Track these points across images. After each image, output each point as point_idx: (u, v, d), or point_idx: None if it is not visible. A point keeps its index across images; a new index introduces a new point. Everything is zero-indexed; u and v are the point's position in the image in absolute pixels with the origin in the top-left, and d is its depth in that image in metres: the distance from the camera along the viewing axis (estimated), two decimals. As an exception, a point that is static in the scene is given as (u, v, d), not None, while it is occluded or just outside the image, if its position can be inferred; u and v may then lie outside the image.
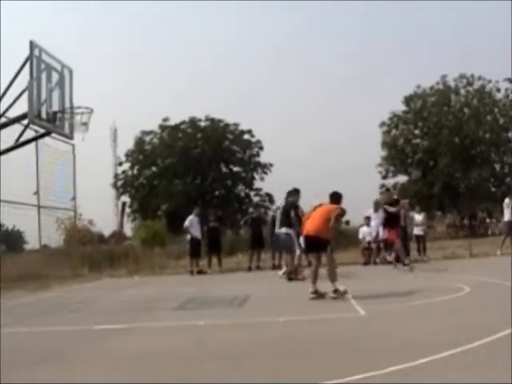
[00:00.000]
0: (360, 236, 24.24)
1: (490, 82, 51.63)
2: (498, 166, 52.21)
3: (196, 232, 23.53)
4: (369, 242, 23.34)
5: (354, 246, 26.02)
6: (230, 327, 9.51)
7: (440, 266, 18.63)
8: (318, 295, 12.25)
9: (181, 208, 44.13)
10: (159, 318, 10.86)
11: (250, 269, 23.32)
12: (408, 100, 53.92)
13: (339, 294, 12.08)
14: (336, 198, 13.05)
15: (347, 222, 44.54)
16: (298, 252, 16.49)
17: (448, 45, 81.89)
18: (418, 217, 23.99)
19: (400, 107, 54.31)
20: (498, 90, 51.63)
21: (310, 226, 12.79)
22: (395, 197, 19.90)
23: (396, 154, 52.91)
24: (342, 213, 12.91)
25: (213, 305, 12.48)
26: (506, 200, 24.81)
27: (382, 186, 53.10)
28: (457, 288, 12.25)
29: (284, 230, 17.08)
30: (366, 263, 22.94)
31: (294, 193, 17.03)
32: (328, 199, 13.08)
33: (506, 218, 24.56)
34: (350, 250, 26.57)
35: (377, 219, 22.23)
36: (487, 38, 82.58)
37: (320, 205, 13.03)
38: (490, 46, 75.75)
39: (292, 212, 16.84)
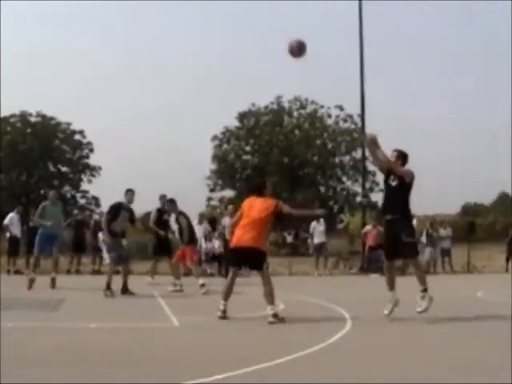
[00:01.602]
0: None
1: (322, 107, 53.29)
2: (323, 189, 53.85)
3: (16, 230, 22.88)
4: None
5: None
6: (42, 330, 9.26)
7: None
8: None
9: (3, 204, 42.75)
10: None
11: (68, 272, 22.92)
12: (242, 116, 54.68)
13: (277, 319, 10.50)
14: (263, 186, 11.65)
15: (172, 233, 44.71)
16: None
17: (285, 66, 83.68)
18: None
19: (234, 122, 55.02)
20: (329, 116, 53.35)
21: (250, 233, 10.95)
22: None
23: (225, 169, 53.49)
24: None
25: (24, 307, 12.12)
26: (313, 223, 25.89)
27: (209, 198, 53.60)
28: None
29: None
30: (186, 275, 22.97)
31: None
32: None
33: (316, 240, 25.70)
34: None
35: (200, 232, 22.71)
36: (324, 63, 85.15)
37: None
38: (325, 70, 77.88)
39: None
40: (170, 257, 17.76)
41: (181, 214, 16.39)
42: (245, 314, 11.05)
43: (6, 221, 22.97)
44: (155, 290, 15.71)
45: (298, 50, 11.53)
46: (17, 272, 22.12)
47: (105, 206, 30.97)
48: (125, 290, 14.83)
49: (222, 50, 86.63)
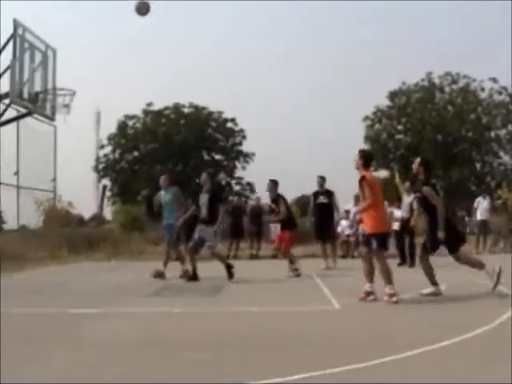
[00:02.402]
0: (339, 229, 24.20)
1: (474, 80, 51.96)
2: (478, 165, 52.47)
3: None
4: (348, 235, 23.33)
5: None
6: (206, 315, 9.47)
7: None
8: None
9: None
10: (134, 304, 10.81)
11: (227, 257, 23.30)
12: (392, 95, 54.07)
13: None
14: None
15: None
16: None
17: (434, 42, 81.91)
18: (397, 213, 23.97)
19: (384, 102, 54.46)
20: (482, 90, 51.93)
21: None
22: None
23: (378, 149, 53.01)
24: None
25: (189, 292, 12.42)
26: (478, 199, 25.03)
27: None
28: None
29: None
30: (344, 256, 22.94)
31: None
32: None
33: (478, 217, 24.80)
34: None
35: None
36: (474, 36, 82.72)
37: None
38: (477, 44, 75.84)
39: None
40: (328, 242, 17.63)
41: (279, 197, 15.80)
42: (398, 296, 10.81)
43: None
44: (314, 272, 15.66)
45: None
46: (178, 259, 22.68)
47: (259, 192, 31.37)
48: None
49: (373, 29, 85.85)
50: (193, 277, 14.14)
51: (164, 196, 15.46)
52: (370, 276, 10.49)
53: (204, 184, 14.48)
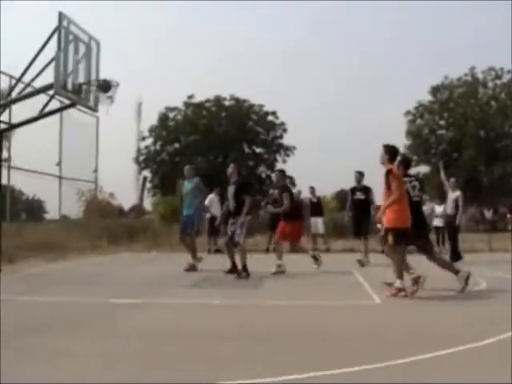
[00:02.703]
0: (378, 225, 24.04)
1: (518, 76, 51.24)
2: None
3: (215, 211, 23.52)
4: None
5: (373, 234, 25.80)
6: (245, 308, 9.49)
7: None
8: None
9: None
10: (174, 295, 10.88)
11: (267, 250, 23.28)
12: (435, 90, 53.66)
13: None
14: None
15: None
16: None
17: (478, 36, 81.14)
18: (439, 208, 23.79)
19: (426, 97, 54.06)
20: (527, 85, 51.23)
21: None
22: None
23: (420, 144, 52.68)
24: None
25: (227, 284, 12.46)
26: None
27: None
28: (474, 282, 12.15)
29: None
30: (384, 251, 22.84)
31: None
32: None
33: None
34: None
35: None
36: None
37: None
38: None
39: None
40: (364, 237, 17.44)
41: (286, 189, 15.50)
42: (432, 293, 10.71)
43: (207, 202, 23.62)
44: (353, 267, 15.63)
45: None
46: (217, 251, 22.75)
47: (300, 185, 31.31)
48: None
49: (417, 22, 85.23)
50: (233, 270, 14.09)
51: (186, 186, 15.57)
52: (398, 272, 10.43)
53: (231, 176, 14.29)
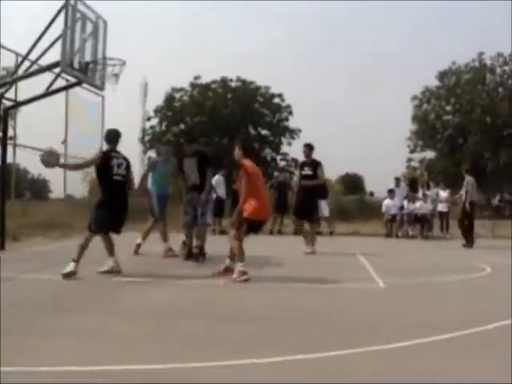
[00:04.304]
0: (383, 209, 24.05)
1: (527, 62, 51.04)
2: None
3: (221, 192, 23.54)
4: (394, 215, 23.23)
5: (377, 218, 25.81)
6: (252, 288, 9.47)
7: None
8: None
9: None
10: (177, 274, 10.87)
11: (271, 232, 23.33)
12: (442, 75, 53.45)
13: None
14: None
15: (371, 194, 44.56)
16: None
17: (486, 22, 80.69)
18: (443, 193, 23.80)
19: (433, 82, 53.89)
20: (536, 72, 51.03)
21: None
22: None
23: (426, 129, 52.58)
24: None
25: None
26: None
27: (409, 159, 52.97)
28: (478, 268, 12.13)
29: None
30: (388, 235, 22.87)
31: None
32: None
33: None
34: (373, 221, 26.40)
35: (400, 193, 23.49)
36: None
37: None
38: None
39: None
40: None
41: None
42: (438, 278, 10.70)
43: (213, 182, 23.63)
44: (357, 250, 15.59)
45: None
46: (222, 232, 22.75)
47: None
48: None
49: (425, 7, 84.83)
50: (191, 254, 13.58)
51: (163, 167, 14.95)
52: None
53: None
